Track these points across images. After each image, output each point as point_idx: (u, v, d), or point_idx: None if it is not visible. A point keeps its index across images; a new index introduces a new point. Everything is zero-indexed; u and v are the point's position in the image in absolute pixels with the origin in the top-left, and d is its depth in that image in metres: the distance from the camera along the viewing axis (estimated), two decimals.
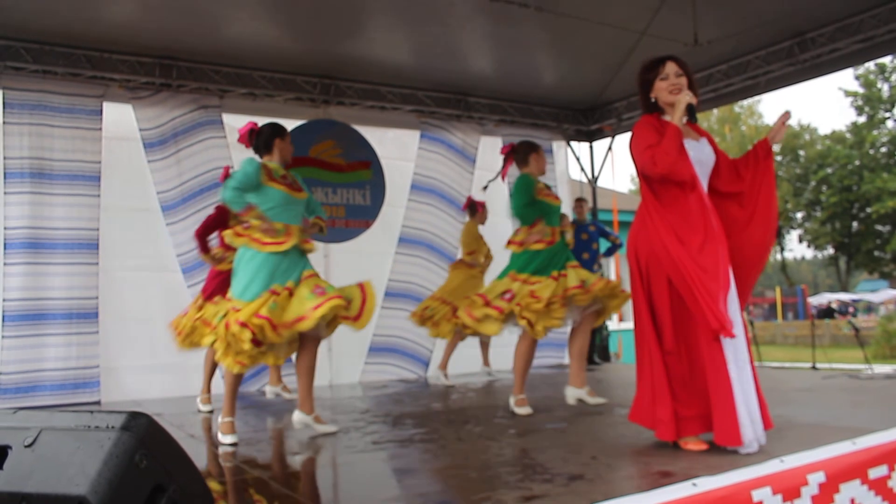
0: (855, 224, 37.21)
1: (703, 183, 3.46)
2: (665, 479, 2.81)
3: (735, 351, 3.31)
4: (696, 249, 3.30)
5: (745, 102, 39.37)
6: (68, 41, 6.50)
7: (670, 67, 3.45)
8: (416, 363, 7.95)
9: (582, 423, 4.45)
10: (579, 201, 8.19)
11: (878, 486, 3.02)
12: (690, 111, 3.39)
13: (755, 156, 3.57)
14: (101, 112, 6.74)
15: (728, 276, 3.35)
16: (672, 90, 3.42)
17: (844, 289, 39.79)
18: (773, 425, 3.47)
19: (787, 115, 3.58)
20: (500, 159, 8.76)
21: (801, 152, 39.63)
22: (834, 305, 29.85)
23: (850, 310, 29.91)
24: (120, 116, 6.88)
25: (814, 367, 7.29)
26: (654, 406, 3.43)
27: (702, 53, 6.83)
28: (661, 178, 3.37)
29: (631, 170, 63.04)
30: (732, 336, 3.22)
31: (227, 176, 5.40)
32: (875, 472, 3.02)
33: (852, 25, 6.66)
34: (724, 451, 3.26)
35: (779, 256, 42.92)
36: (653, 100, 3.52)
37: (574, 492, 2.72)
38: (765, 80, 7.58)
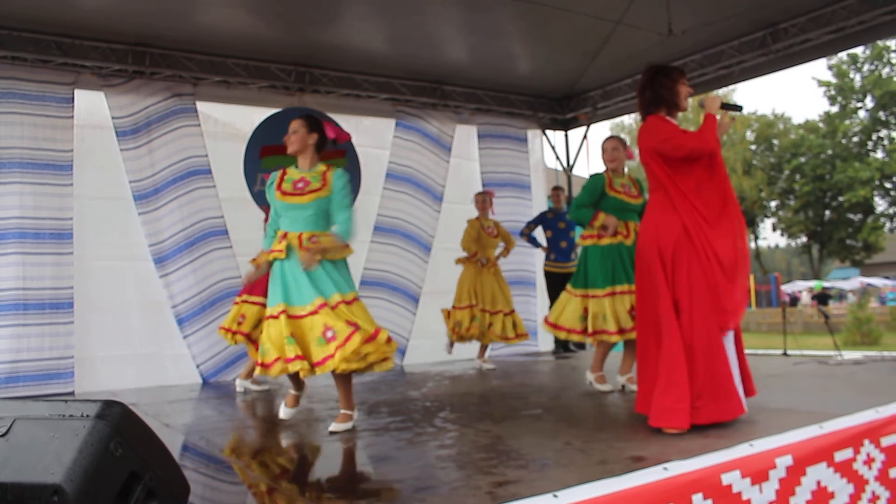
0: (827, 213, 37.66)
1: None
2: (637, 463, 2.86)
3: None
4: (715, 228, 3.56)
5: (720, 91, 39.63)
6: (38, 26, 6.40)
7: (685, 79, 3.77)
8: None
9: (556, 409, 4.50)
10: (556, 190, 8.23)
11: (844, 469, 3.09)
12: (729, 108, 3.78)
13: None
14: (72, 100, 6.65)
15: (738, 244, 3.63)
16: (687, 95, 3.74)
17: (817, 277, 40.28)
18: (756, 392, 3.82)
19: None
20: (475, 147, 8.83)
21: (775, 141, 39.99)
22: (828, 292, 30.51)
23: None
24: (92, 104, 6.80)
25: (785, 354, 7.39)
26: (680, 399, 3.46)
27: (676, 43, 6.88)
28: (706, 154, 3.57)
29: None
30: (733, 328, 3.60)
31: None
32: (841, 455, 3.10)
33: (824, 16, 6.74)
34: (697, 435, 3.32)
35: (753, 245, 43.38)
36: (675, 101, 3.70)
37: (547, 477, 2.76)
38: (738, 70, 7.65)
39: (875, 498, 3.19)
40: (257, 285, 5.60)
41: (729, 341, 3.61)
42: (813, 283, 33.98)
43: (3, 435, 2.10)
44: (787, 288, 34.00)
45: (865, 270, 38.82)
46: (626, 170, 5.21)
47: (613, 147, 5.17)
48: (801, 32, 6.92)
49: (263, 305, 5.18)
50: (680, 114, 3.87)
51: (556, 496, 2.35)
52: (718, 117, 3.69)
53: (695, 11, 6.69)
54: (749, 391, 3.74)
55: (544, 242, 8.13)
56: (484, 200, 7.31)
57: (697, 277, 3.49)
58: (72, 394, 6.32)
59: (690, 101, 3.89)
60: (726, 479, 2.68)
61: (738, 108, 3.86)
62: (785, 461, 2.87)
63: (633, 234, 4.95)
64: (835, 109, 36.56)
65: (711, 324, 3.48)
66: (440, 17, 6.95)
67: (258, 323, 5.60)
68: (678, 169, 3.60)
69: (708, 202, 3.57)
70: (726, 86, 8.17)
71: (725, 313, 3.51)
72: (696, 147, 3.56)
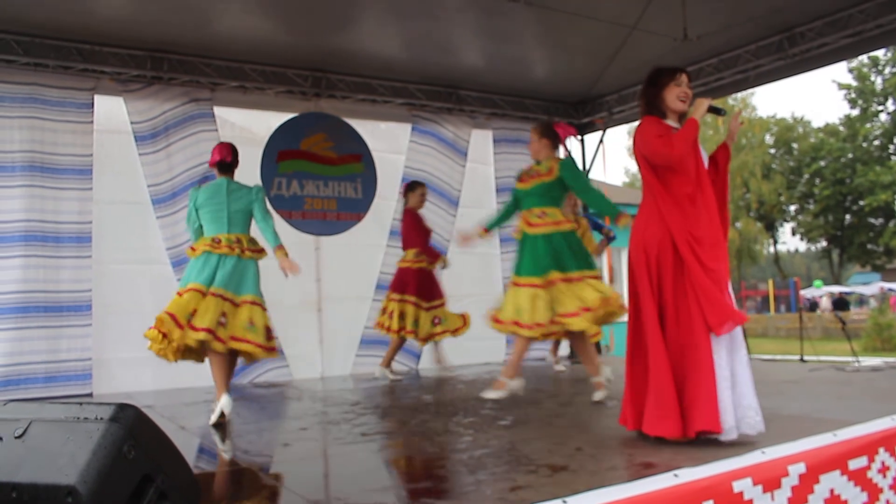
0: (848, 217, 37.41)
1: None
2: (648, 470, 2.85)
3: (731, 340, 3.44)
4: (705, 239, 3.46)
5: (739, 95, 39.50)
6: (59, 34, 6.49)
7: (683, 78, 3.66)
8: (407, 355, 7.98)
9: (569, 415, 4.50)
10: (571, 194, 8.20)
11: (858, 477, 3.07)
12: (714, 111, 3.64)
13: (715, 162, 3.77)
14: (92, 105, 6.73)
15: (727, 268, 3.50)
16: (681, 97, 3.63)
17: (837, 281, 39.98)
18: None
19: (739, 113, 3.96)
20: (490, 152, 8.84)
21: (795, 145, 39.76)
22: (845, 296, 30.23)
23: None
24: (111, 109, 6.87)
25: (802, 360, 7.34)
26: (663, 406, 3.43)
27: (692, 47, 6.86)
28: (676, 162, 3.49)
29: (624, 162, 63.16)
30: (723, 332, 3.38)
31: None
32: (855, 464, 3.08)
33: (841, 20, 6.69)
34: (708, 442, 3.31)
35: (772, 249, 43.09)
36: (660, 103, 3.66)
37: (557, 483, 2.76)
38: (755, 74, 7.61)
39: None
40: (410, 285, 6.67)
41: (740, 351, 3.49)
42: (814, 286, 33.69)
43: (19, 436, 2.14)
44: (806, 293, 33.72)
45: (886, 275, 38.44)
46: (555, 153, 5.15)
47: (530, 140, 5.20)
48: (818, 36, 6.88)
49: (417, 305, 6.66)
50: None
51: (565, 502, 2.35)
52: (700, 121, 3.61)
53: (710, 16, 6.67)
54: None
55: None
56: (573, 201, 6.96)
57: (682, 285, 3.43)
58: (90, 395, 6.40)
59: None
60: (738, 486, 2.67)
61: (722, 112, 3.74)
62: (798, 469, 2.86)
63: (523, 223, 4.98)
64: (855, 112, 36.32)
65: (698, 333, 3.38)
66: (455, 22, 6.97)
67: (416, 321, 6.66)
68: (664, 175, 3.55)
69: (695, 212, 3.48)
70: (743, 90, 8.15)
71: (714, 319, 3.38)
72: (665, 153, 3.48)
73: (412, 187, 6.98)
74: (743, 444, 3.18)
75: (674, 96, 3.63)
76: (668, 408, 3.38)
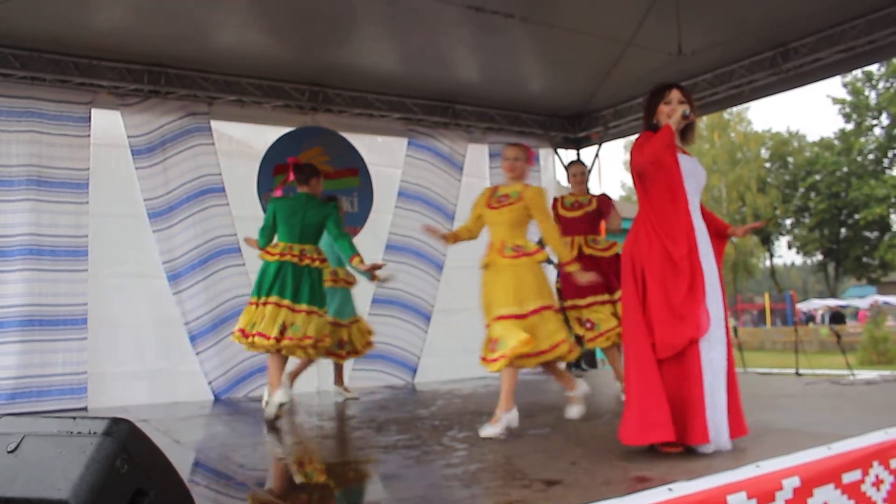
0: (843, 230, 37.52)
1: (696, 198, 3.72)
2: (642, 484, 2.86)
3: (710, 360, 3.48)
4: (681, 258, 3.52)
5: (735, 109, 39.68)
6: (57, 48, 6.50)
7: (674, 94, 3.76)
8: (403, 369, 7.97)
9: (564, 429, 4.50)
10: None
11: (852, 491, 3.07)
12: (688, 128, 3.76)
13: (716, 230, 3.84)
14: (89, 119, 6.74)
15: (703, 287, 3.51)
16: (671, 114, 3.72)
17: (833, 295, 40.03)
18: (748, 431, 3.58)
19: (761, 224, 4.05)
20: (486, 166, 8.86)
21: (790, 159, 39.91)
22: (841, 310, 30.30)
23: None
24: (108, 123, 6.88)
25: (797, 374, 7.35)
26: (649, 413, 3.47)
27: (686, 63, 6.90)
28: (649, 165, 3.61)
29: (621, 177, 63.42)
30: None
31: None
32: (849, 477, 3.08)
33: (834, 36, 6.74)
34: (703, 456, 3.32)
35: (768, 262, 43.17)
36: (654, 122, 3.79)
37: (551, 497, 2.76)
38: (749, 89, 7.65)
39: None
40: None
41: (710, 369, 3.50)
42: (829, 301, 33.71)
43: (12, 451, 2.13)
44: (802, 306, 33.76)
45: (882, 288, 38.50)
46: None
47: None
48: (811, 52, 6.93)
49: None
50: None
51: None
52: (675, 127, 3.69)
53: (705, 32, 6.72)
54: (738, 431, 3.58)
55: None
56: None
57: (663, 294, 3.51)
58: (85, 409, 6.37)
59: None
60: (732, 500, 2.66)
61: (687, 115, 3.78)
62: (792, 482, 2.86)
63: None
64: (850, 127, 36.50)
65: (676, 339, 3.46)
66: (452, 37, 7.01)
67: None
68: (647, 184, 3.67)
69: (671, 226, 3.58)
70: (737, 105, 8.20)
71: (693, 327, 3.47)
72: (637, 161, 3.65)
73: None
74: (737, 458, 3.18)
75: (664, 115, 3.75)
76: (662, 414, 3.41)
